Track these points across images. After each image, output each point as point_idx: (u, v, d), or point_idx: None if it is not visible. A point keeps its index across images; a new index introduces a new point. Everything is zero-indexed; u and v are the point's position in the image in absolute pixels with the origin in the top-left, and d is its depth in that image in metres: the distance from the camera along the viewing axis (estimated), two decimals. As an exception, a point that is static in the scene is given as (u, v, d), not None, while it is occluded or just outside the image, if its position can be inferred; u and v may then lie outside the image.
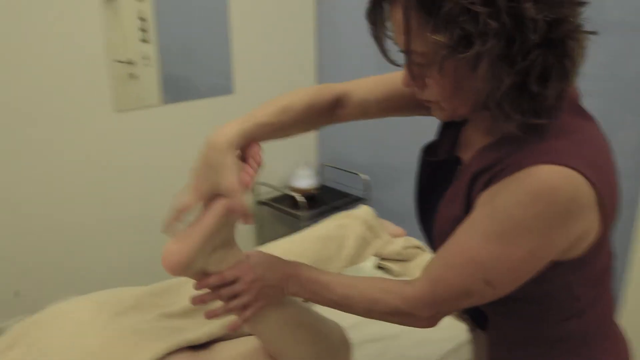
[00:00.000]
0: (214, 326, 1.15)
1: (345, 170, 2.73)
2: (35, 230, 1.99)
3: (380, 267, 1.76)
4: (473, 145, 0.85)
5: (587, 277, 0.82)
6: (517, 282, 0.77)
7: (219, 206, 0.85)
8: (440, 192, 0.86)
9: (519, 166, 0.72)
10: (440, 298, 0.81)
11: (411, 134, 2.43)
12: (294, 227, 2.45)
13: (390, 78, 0.98)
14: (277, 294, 0.95)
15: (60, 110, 1.93)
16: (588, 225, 0.73)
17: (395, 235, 1.79)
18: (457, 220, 0.79)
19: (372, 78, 1.03)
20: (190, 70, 2.28)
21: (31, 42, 1.80)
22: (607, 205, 0.73)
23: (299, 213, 2.47)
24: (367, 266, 1.67)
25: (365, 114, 1.02)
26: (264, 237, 2.70)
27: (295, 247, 1.52)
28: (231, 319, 1.11)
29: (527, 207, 0.70)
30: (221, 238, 0.91)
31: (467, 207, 0.79)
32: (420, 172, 0.97)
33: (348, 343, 1.21)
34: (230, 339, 1.19)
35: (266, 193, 2.65)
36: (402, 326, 1.40)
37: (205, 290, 0.93)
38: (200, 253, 0.88)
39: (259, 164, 0.87)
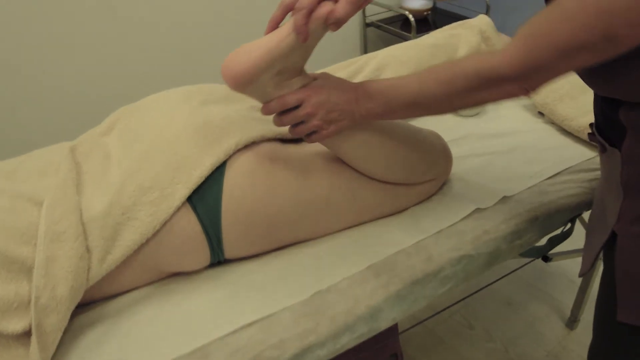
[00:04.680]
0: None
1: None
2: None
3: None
4: None
5: None
6: None
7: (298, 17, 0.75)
8: None
9: None
10: (537, 55, 0.66)
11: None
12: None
13: None
14: (347, 118, 0.87)
15: None
16: None
17: (515, 51, 1.58)
18: None
19: None
20: None
21: None
22: None
23: (410, 36, 2.28)
24: (479, 82, 1.51)
25: None
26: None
27: (399, 52, 1.38)
28: None
29: None
30: (292, 60, 0.82)
31: None
32: None
33: (448, 154, 1.12)
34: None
35: (375, 13, 2.46)
36: (511, 143, 1.28)
37: None
38: (266, 69, 0.80)
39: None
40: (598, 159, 1.27)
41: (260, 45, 0.79)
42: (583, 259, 1.00)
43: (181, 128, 0.94)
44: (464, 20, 1.57)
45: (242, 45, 0.82)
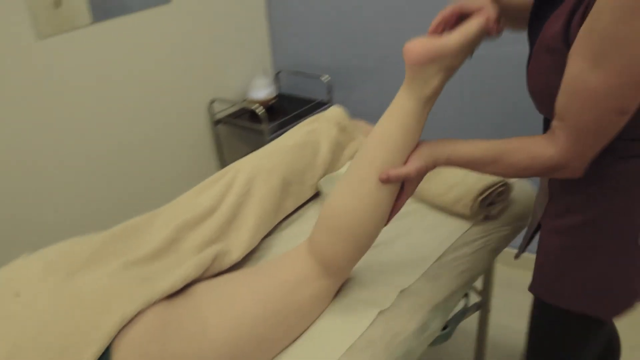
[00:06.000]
0: (189, 268, 1.00)
1: (306, 74, 2.52)
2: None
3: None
4: None
5: None
6: None
7: (481, 18, 0.90)
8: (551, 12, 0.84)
9: None
10: (585, 145, 0.80)
11: (372, 32, 2.23)
12: (257, 143, 2.27)
13: None
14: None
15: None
16: None
17: (371, 135, 1.63)
18: (557, 35, 0.78)
19: None
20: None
21: None
22: None
23: (260, 127, 2.28)
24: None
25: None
26: (224, 158, 2.52)
27: (265, 162, 1.34)
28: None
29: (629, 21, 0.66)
30: (460, 59, 0.93)
31: (568, 23, 0.77)
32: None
33: None
34: (207, 278, 1.05)
35: (221, 110, 2.43)
36: (392, 230, 1.31)
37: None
38: (448, 56, 0.91)
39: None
40: (474, 230, 1.33)
41: (446, 39, 0.91)
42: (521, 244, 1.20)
43: (48, 315, 0.80)
44: (317, 114, 1.59)
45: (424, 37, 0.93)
